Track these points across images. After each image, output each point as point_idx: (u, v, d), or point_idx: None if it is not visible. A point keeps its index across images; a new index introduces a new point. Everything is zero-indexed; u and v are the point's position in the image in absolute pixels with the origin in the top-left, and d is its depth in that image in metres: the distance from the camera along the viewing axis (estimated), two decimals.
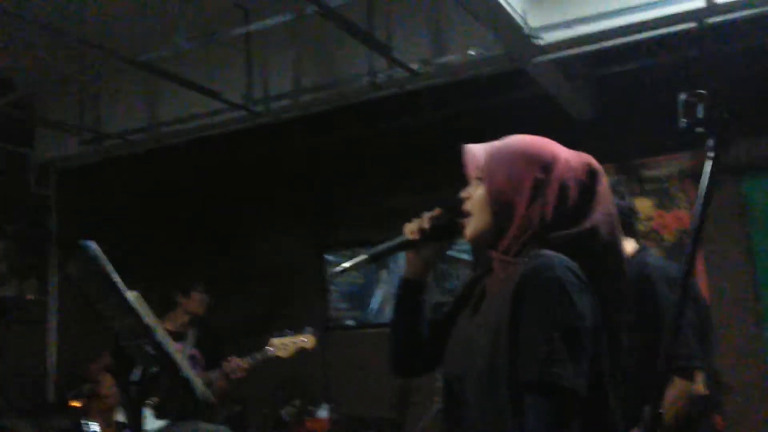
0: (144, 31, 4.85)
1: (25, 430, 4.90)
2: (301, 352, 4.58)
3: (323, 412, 5.62)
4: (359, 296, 6.41)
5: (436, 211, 1.87)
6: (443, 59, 4.49)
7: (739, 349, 4.55)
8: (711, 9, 3.82)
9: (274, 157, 6.46)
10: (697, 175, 5.06)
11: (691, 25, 3.98)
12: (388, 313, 6.17)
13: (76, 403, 4.89)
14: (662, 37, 4.15)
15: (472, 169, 1.82)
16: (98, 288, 1.92)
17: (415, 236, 1.85)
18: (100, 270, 1.70)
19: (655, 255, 2.97)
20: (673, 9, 3.88)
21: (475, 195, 1.76)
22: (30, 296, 5.72)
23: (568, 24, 4.10)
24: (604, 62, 5.00)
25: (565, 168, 1.71)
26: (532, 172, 1.69)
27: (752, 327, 4.76)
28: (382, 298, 6.33)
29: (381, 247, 1.88)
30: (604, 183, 1.75)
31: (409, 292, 1.93)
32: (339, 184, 6.39)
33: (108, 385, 4.68)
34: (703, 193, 1.31)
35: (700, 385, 2.64)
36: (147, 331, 1.77)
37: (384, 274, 6.32)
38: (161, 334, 1.78)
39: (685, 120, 1.32)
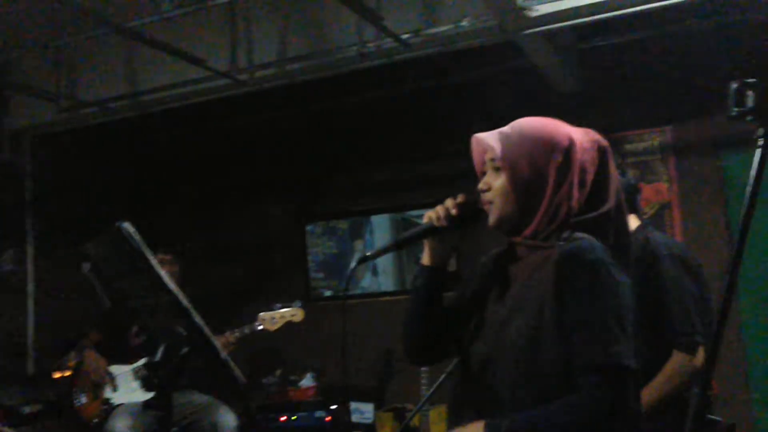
0: None
1: (10, 401, 4.84)
2: (289, 325, 4.59)
3: (307, 381, 5.65)
4: (335, 266, 6.40)
5: (461, 197, 1.85)
6: (434, 30, 4.45)
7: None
8: None
9: (258, 126, 6.38)
10: (677, 149, 5.17)
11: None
12: (363, 283, 6.19)
13: (58, 375, 4.82)
14: (648, 11, 4.16)
15: (483, 158, 1.83)
16: (124, 268, 1.90)
17: (443, 223, 1.82)
18: (133, 250, 1.69)
19: (656, 231, 3.00)
20: None
21: (495, 184, 1.77)
22: (8, 267, 5.61)
23: None
24: (590, 35, 5.02)
25: (581, 150, 1.75)
26: (553, 158, 1.72)
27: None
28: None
29: (407, 233, 1.87)
30: (612, 158, 1.79)
31: (430, 280, 1.89)
32: (322, 154, 6.34)
33: (91, 360, 4.63)
34: (752, 183, 1.33)
35: (700, 360, 2.69)
36: (183, 312, 1.75)
37: (359, 243, 6.32)
38: (197, 315, 1.77)
39: (735, 109, 1.34)
